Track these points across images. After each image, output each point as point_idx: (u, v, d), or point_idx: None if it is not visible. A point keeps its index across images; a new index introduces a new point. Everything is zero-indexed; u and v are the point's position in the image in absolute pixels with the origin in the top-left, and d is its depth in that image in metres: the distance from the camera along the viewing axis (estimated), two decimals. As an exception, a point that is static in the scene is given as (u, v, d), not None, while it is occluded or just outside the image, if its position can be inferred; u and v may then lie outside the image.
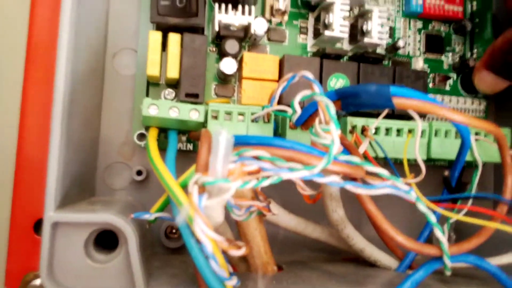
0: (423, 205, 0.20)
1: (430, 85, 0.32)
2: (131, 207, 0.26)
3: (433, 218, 0.20)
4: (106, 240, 0.21)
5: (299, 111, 0.21)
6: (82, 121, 0.25)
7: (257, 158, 0.18)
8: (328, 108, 0.18)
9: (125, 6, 0.29)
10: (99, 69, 0.28)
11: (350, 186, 0.19)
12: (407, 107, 0.20)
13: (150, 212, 0.22)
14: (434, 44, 0.32)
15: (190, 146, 0.28)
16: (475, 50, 0.32)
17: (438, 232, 0.20)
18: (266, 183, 0.18)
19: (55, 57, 0.22)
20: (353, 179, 0.21)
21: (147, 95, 0.28)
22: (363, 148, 0.25)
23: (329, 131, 0.20)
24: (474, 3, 0.32)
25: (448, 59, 0.32)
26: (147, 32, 0.27)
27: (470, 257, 0.22)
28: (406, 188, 0.19)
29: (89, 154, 0.27)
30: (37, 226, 0.27)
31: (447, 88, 0.32)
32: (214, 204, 0.16)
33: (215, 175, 0.16)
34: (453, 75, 0.32)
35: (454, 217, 0.23)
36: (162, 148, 0.24)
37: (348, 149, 0.23)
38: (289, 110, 0.23)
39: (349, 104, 0.22)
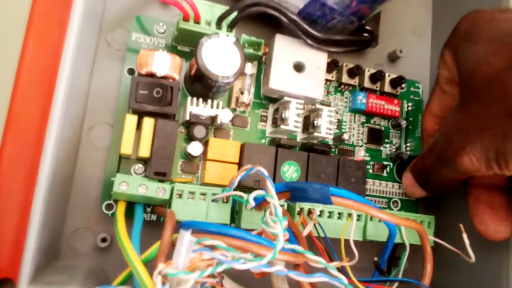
0: (353, 291, 0.24)
1: (370, 171, 0.36)
2: (94, 275, 0.28)
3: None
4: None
5: (252, 203, 0.25)
6: (57, 189, 0.27)
7: (214, 246, 0.21)
8: (276, 209, 0.22)
9: (105, 85, 0.32)
10: (76, 139, 0.31)
11: (293, 275, 0.22)
12: (343, 205, 0.24)
13: (113, 284, 0.24)
14: (375, 136, 0.37)
15: (153, 217, 0.31)
16: (408, 144, 0.38)
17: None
18: (219, 269, 0.21)
19: (38, 121, 0.24)
20: (296, 265, 0.24)
21: (118, 168, 0.30)
22: (307, 230, 0.29)
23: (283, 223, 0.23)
24: (410, 104, 0.38)
25: (386, 149, 0.37)
26: (124, 111, 0.30)
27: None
28: (338, 276, 0.23)
29: (58, 219, 0.29)
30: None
31: (385, 174, 0.37)
32: (174, 292, 0.18)
33: (177, 268, 0.19)
34: (390, 164, 0.37)
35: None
36: (127, 216, 0.27)
37: (294, 234, 0.27)
38: (245, 197, 0.26)
39: (296, 196, 0.26)
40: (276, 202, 0.22)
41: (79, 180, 0.31)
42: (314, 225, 0.30)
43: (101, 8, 0.32)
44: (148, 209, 0.31)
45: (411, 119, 0.38)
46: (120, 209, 0.27)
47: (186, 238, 0.19)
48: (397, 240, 0.32)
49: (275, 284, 0.27)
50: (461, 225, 0.28)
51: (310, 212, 0.30)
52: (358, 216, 0.31)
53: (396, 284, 0.29)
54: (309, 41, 0.32)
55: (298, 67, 0.32)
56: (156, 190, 0.27)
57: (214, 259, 0.21)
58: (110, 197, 0.30)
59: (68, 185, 0.30)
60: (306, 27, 0.31)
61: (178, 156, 0.32)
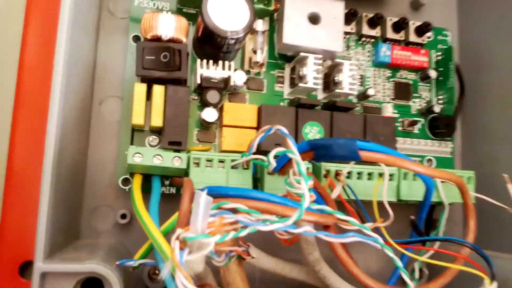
0: (390, 251, 0.22)
1: (400, 129, 0.34)
2: (115, 251, 0.27)
3: (399, 263, 0.22)
4: (93, 283, 0.22)
5: (274, 164, 0.23)
6: (69, 167, 0.26)
7: (235, 210, 0.20)
8: (298, 165, 0.20)
9: (111, 56, 0.31)
10: (86, 115, 0.30)
11: (322, 235, 0.20)
12: (373, 159, 0.22)
13: (134, 258, 0.23)
14: (402, 91, 0.34)
15: (173, 190, 0.29)
16: (440, 97, 0.35)
17: (404, 275, 0.22)
18: (242, 234, 0.19)
19: (44, 100, 0.23)
20: (325, 226, 0.22)
21: (132, 141, 0.29)
22: (336, 192, 0.27)
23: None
24: (439, 53, 0.35)
25: (416, 104, 0.35)
26: (132, 82, 0.28)
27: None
28: (373, 236, 0.21)
29: (75, 199, 0.28)
30: (23, 268, 0.28)
31: (416, 131, 0.34)
32: (195, 258, 0.17)
33: (196, 232, 0.17)
34: (421, 120, 0.34)
35: (420, 259, 0.25)
36: (146, 192, 0.26)
37: (322, 196, 0.25)
38: (266, 160, 0.24)
39: (320, 155, 0.24)
40: (298, 158, 0.20)
41: (94, 157, 0.30)
42: (343, 187, 0.28)
43: (100, -25, 0.31)
44: (166, 182, 0.29)
45: (441, 69, 0.35)
46: (136, 182, 0.26)
47: (202, 198, 0.17)
48: (434, 198, 0.29)
49: (304, 250, 0.26)
50: (505, 175, 0.26)
51: (337, 174, 0.28)
52: (391, 175, 0.28)
53: (437, 244, 0.27)
54: (323, -11, 0.29)
55: (314, 19, 0.30)
56: (171, 159, 0.26)
57: (237, 223, 0.19)
58: (126, 172, 0.29)
59: (82, 163, 0.29)
60: (320, -27, 0.28)
61: (193, 125, 0.30)
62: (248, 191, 0.21)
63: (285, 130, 0.23)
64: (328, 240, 0.20)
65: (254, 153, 0.26)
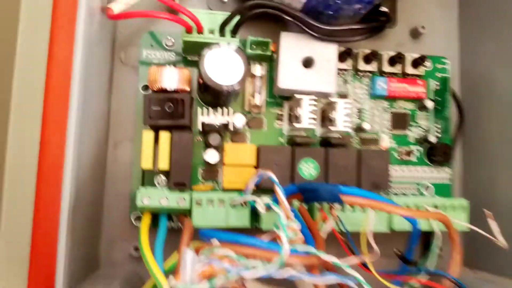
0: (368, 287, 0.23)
1: (398, 158, 0.35)
2: (129, 282, 0.30)
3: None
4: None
5: (262, 210, 0.25)
6: (87, 205, 0.29)
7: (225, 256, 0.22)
8: (279, 217, 0.22)
9: (124, 103, 0.34)
10: (102, 157, 0.33)
11: (304, 278, 0.22)
12: (354, 203, 0.24)
13: (142, 293, 0.26)
14: (399, 121, 0.36)
15: (180, 225, 0.32)
16: (437, 125, 0.36)
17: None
18: (232, 276, 0.22)
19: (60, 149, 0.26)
20: (310, 267, 0.24)
21: (143, 181, 0.32)
22: (328, 226, 0.29)
23: (289, 226, 0.24)
24: (437, 82, 0.36)
25: (413, 133, 0.36)
26: (142, 127, 0.31)
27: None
28: (352, 275, 0.23)
29: (94, 233, 0.32)
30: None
31: (414, 159, 0.35)
32: (184, 304, 0.20)
33: (185, 281, 0.20)
34: (419, 147, 0.36)
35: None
36: (155, 226, 0.29)
37: (312, 234, 0.27)
38: (259, 201, 0.27)
39: (308, 197, 0.26)
40: (278, 211, 0.23)
41: (110, 195, 0.33)
42: (336, 221, 0.29)
43: (112, 30, 0.34)
44: (175, 218, 0.32)
45: (438, 99, 0.36)
46: (144, 223, 0.29)
47: (188, 255, 0.20)
48: (428, 228, 0.31)
49: (297, 285, 0.28)
50: (485, 210, 0.27)
51: (331, 208, 0.30)
52: (382, 208, 0.30)
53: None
54: (316, 35, 0.31)
55: (307, 63, 0.32)
56: (176, 201, 0.29)
57: (224, 270, 0.21)
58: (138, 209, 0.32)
59: (99, 201, 0.32)
60: (310, 21, 0.30)
61: (199, 164, 0.33)
62: (237, 237, 0.23)
63: (274, 177, 0.25)
64: (309, 281, 0.22)
65: (254, 191, 0.28)
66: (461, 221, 0.30)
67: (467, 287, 0.27)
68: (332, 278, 0.22)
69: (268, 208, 0.25)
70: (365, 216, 0.29)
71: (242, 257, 0.22)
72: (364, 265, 0.27)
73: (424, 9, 0.39)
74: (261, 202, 0.25)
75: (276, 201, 0.26)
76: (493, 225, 0.27)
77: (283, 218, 0.22)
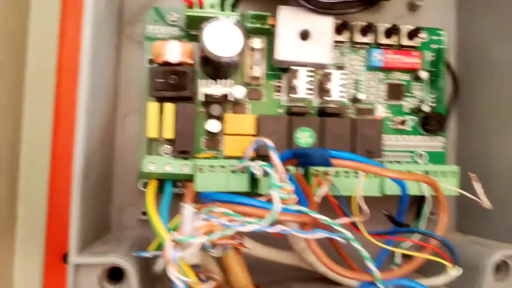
0: (358, 244, 0.25)
1: (392, 127, 0.37)
2: (137, 243, 0.32)
3: (365, 253, 0.26)
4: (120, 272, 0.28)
5: (258, 172, 0.27)
6: (98, 173, 0.31)
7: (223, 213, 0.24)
8: (271, 178, 0.24)
9: (131, 76, 0.36)
10: (112, 129, 0.35)
11: (294, 233, 0.24)
12: (343, 166, 0.26)
13: (148, 250, 0.28)
14: (395, 92, 0.37)
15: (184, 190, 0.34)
16: (431, 96, 0.37)
17: (368, 263, 0.26)
18: (229, 232, 0.24)
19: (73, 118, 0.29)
20: (303, 224, 0.26)
21: (149, 150, 0.34)
22: (322, 190, 0.31)
23: (283, 187, 0.26)
24: (433, 54, 0.37)
25: (408, 103, 0.37)
26: (149, 99, 0.33)
27: (403, 280, 0.27)
28: (341, 232, 0.25)
29: (105, 199, 0.34)
30: (66, 257, 0.34)
31: (409, 128, 0.37)
32: (185, 255, 0.22)
33: (185, 234, 0.22)
34: (415, 118, 0.37)
35: (390, 248, 0.28)
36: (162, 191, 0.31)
37: (306, 197, 0.29)
38: (255, 166, 0.28)
39: (301, 162, 0.28)
40: (271, 171, 0.24)
41: (120, 164, 0.35)
42: (330, 185, 0.31)
43: (118, 7, 0.35)
44: (180, 184, 0.34)
45: (433, 69, 0.37)
46: (150, 187, 0.31)
47: (186, 209, 0.22)
48: (417, 192, 0.32)
49: (291, 241, 0.30)
50: (470, 173, 0.28)
51: (326, 173, 0.31)
52: (375, 173, 0.31)
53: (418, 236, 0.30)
54: (312, 8, 0.32)
55: (304, 35, 0.33)
56: (180, 167, 0.31)
57: (222, 225, 0.24)
58: (146, 176, 0.34)
59: (109, 170, 0.35)
60: (306, -5, 0.31)
61: (201, 133, 0.35)
62: (234, 197, 0.25)
63: (270, 143, 0.27)
64: (300, 236, 0.24)
65: (253, 158, 0.30)
66: (450, 186, 0.31)
67: (454, 247, 0.28)
68: (320, 234, 0.24)
69: (264, 172, 0.27)
70: (362, 179, 0.31)
71: (239, 214, 0.24)
72: (355, 225, 0.29)
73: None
74: (256, 166, 0.27)
75: (273, 166, 0.28)
76: (478, 187, 0.28)
77: (276, 179, 0.24)
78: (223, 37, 0.30)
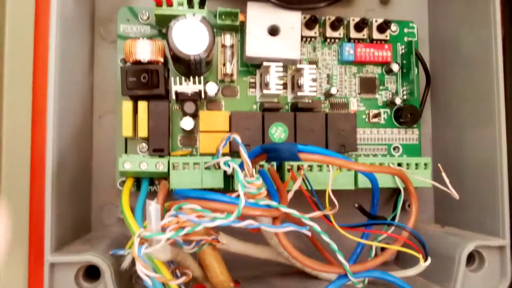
0: (326, 237, 0.26)
1: (366, 120, 0.37)
2: (117, 242, 0.32)
3: (334, 246, 0.26)
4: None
5: (227, 169, 0.27)
6: (73, 173, 0.32)
7: (192, 209, 0.25)
8: (236, 172, 0.24)
9: (106, 76, 0.36)
10: (88, 128, 0.35)
11: (263, 227, 0.25)
12: (311, 160, 0.26)
13: (125, 248, 0.29)
14: (368, 86, 0.37)
15: (162, 188, 0.35)
16: (404, 88, 0.37)
17: (338, 256, 0.26)
18: (197, 227, 0.24)
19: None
20: (273, 218, 0.27)
21: (126, 148, 0.34)
22: (296, 184, 0.31)
23: (251, 182, 0.26)
24: (402, 47, 0.38)
25: (381, 97, 0.37)
26: (123, 98, 0.34)
27: (375, 272, 0.28)
28: (309, 224, 0.25)
29: (84, 198, 0.34)
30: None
31: (382, 122, 0.37)
32: (152, 250, 0.22)
33: (151, 231, 0.22)
34: (387, 110, 0.37)
35: (361, 241, 0.29)
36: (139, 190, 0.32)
37: (278, 191, 0.29)
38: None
39: (271, 157, 0.28)
40: (235, 167, 0.25)
41: (98, 163, 0.36)
42: (303, 179, 0.32)
43: (90, 7, 0.35)
44: (156, 182, 0.35)
45: (404, 62, 0.37)
46: (126, 186, 0.31)
47: (152, 207, 0.22)
48: (391, 185, 0.33)
49: (266, 235, 0.30)
50: (439, 165, 0.29)
51: (299, 168, 0.32)
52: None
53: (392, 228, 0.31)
54: (279, 3, 0.32)
55: (273, 31, 0.33)
56: (155, 165, 0.31)
57: (190, 222, 0.24)
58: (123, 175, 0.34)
59: (88, 168, 0.35)
60: (273, -10, 0.32)
61: (178, 131, 0.35)
62: (204, 193, 0.26)
63: (238, 139, 0.27)
64: (269, 230, 0.25)
65: (226, 154, 0.31)
66: (421, 178, 0.31)
67: (427, 240, 0.29)
68: (288, 228, 0.24)
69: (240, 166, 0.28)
70: (334, 172, 0.32)
71: (208, 210, 0.25)
72: (328, 218, 0.29)
73: (393, -26, 0.40)
74: (223, 160, 0.27)
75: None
76: (445, 177, 0.29)
77: (240, 173, 0.25)
78: (190, 35, 0.30)
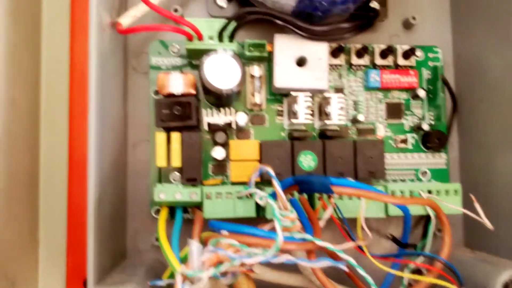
0: (362, 271, 0.26)
1: (394, 146, 0.37)
2: (153, 269, 0.33)
3: (369, 280, 0.26)
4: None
5: (260, 202, 0.28)
6: (111, 201, 0.33)
7: (229, 245, 0.25)
8: (273, 209, 0.25)
9: (139, 106, 0.37)
10: (123, 157, 0.36)
11: (300, 262, 0.25)
12: (343, 194, 0.27)
13: (163, 278, 0.30)
14: (394, 111, 0.38)
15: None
16: (430, 113, 0.38)
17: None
18: (235, 263, 0.25)
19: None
20: (307, 252, 0.27)
21: (160, 177, 0.36)
22: (327, 214, 0.32)
23: (286, 216, 0.27)
24: (427, 72, 0.38)
25: (408, 122, 0.38)
26: (155, 130, 0.35)
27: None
28: (344, 259, 0.26)
29: (119, 226, 0.35)
30: (86, 283, 0.36)
31: (410, 147, 0.38)
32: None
33: (193, 269, 0.23)
34: (415, 136, 0.38)
35: (395, 273, 0.29)
36: (173, 217, 0.33)
37: (310, 222, 0.30)
38: (260, 193, 0.30)
39: (303, 189, 0.29)
40: (272, 203, 0.26)
41: (133, 191, 0.37)
42: (334, 208, 0.32)
43: (123, 41, 0.37)
44: (190, 209, 0.35)
45: (430, 87, 0.38)
46: (162, 217, 0.32)
47: (193, 246, 0.23)
48: (423, 212, 0.33)
49: (299, 265, 0.31)
50: (470, 195, 0.29)
51: (329, 197, 0.32)
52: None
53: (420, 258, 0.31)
54: (307, 35, 0.33)
55: (301, 62, 0.34)
56: (189, 195, 0.32)
57: (228, 258, 0.25)
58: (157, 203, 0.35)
59: (123, 197, 0.36)
60: (301, 23, 0.32)
61: (209, 159, 0.36)
62: (240, 227, 0.26)
63: (271, 171, 0.28)
64: (307, 266, 0.25)
65: (258, 184, 0.32)
66: (453, 205, 0.32)
67: (458, 267, 0.29)
68: (325, 263, 0.25)
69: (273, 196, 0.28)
70: (364, 201, 0.32)
71: (244, 245, 0.25)
72: (361, 248, 0.30)
73: (415, -1, 0.40)
74: (258, 195, 0.28)
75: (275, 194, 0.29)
76: (478, 208, 0.29)
77: (276, 209, 0.25)
78: (222, 70, 0.31)
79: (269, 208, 0.32)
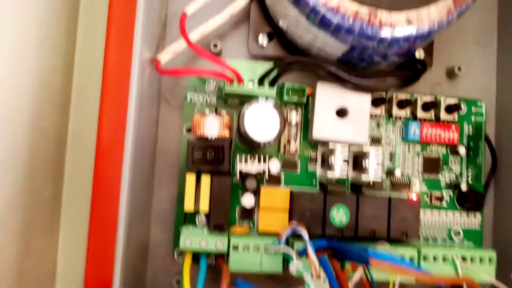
0: None
1: (428, 202, 0.36)
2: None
3: None
4: None
5: (294, 270, 0.27)
6: (137, 237, 0.32)
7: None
8: (308, 280, 0.24)
9: (170, 142, 0.36)
10: (149, 199, 0.36)
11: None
12: (381, 268, 0.26)
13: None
14: (432, 165, 0.36)
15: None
16: (469, 171, 0.36)
17: None
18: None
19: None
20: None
21: (185, 219, 0.35)
22: (356, 277, 0.30)
23: (319, 286, 0.26)
24: (468, 127, 0.37)
25: (445, 178, 0.36)
26: (185, 168, 0.33)
27: None
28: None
29: (141, 265, 0.35)
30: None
31: (444, 204, 0.36)
32: None
33: None
34: (450, 192, 0.36)
35: None
36: (197, 261, 0.32)
37: (338, 280, 0.29)
38: (292, 254, 0.29)
39: (337, 254, 0.28)
40: (308, 279, 0.25)
41: (156, 228, 0.36)
42: (364, 270, 0.31)
43: (159, 76, 0.36)
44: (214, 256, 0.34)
45: (471, 144, 0.36)
46: (187, 262, 0.31)
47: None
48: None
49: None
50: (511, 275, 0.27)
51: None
52: (410, 259, 0.31)
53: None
54: (350, 87, 0.32)
55: (342, 113, 0.33)
56: (215, 243, 0.31)
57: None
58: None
59: (146, 233, 0.35)
60: (346, 76, 0.31)
61: (236, 203, 0.35)
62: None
63: (305, 235, 0.27)
64: None
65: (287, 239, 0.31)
66: (487, 276, 0.30)
67: None
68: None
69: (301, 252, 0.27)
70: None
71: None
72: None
73: (461, 48, 0.39)
74: (294, 265, 0.27)
75: (305, 251, 0.28)
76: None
77: (312, 284, 0.24)
78: (262, 120, 0.30)
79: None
